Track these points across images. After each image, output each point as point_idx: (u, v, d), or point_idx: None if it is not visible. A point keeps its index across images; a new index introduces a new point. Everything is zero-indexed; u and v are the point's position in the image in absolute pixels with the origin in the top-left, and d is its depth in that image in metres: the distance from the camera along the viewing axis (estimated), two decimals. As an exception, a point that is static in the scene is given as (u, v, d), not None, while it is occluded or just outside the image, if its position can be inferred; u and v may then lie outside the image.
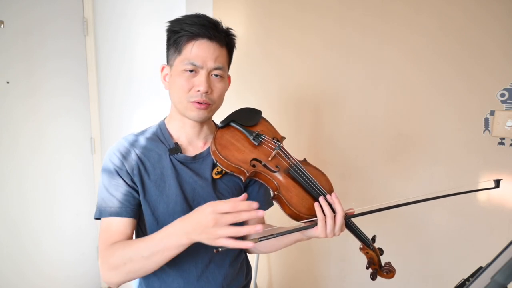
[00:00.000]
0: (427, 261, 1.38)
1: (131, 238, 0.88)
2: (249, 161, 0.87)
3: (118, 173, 0.88)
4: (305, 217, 0.83)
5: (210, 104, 0.87)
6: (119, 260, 0.77)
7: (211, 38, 0.85)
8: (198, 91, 0.85)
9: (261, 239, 0.76)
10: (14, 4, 1.78)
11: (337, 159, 1.57)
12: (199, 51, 0.84)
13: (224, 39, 0.88)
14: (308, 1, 1.55)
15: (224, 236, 0.67)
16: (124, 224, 0.86)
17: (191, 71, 0.85)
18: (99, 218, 0.87)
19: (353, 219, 0.88)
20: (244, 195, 0.69)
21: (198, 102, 0.86)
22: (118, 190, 0.88)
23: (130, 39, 1.88)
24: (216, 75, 0.87)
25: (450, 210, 1.30)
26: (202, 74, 0.85)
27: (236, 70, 1.81)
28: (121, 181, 0.88)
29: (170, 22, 0.88)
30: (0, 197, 1.82)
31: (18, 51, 1.82)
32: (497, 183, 0.84)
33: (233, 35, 0.91)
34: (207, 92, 0.85)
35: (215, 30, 0.85)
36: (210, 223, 0.67)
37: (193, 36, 0.84)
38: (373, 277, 0.94)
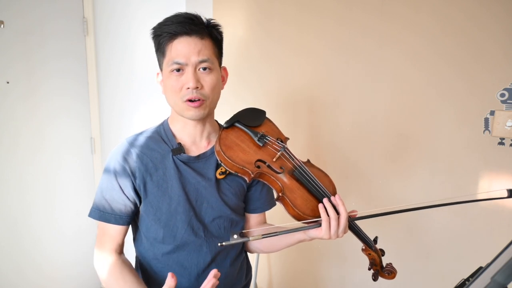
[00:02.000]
0: (427, 261, 1.38)
1: (121, 243, 0.93)
2: (253, 162, 0.87)
3: (116, 178, 0.88)
4: (309, 218, 0.83)
5: (203, 100, 0.86)
6: (106, 283, 0.88)
7: (189, 33, 0.84)
8: (188, 88, 0.84)
9: (265, 236, 0.77)
10: (14, 4, 1.78)
11: (337, 159, 1.57)
12: (180, 48, 0.84)
13: (204, 31, 0.86)
14: (308, 1, 1.55)
15: None
16: (115, 230, 0.90)
17: (178, 70, 0.84)
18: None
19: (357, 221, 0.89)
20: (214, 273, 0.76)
21: (191, 100, 0.85)
22: (111, 195, 0.89)
23: (130, 39, 1.88)
24: (204, 68, 0.86)
25: (450, 210, 1.30)
26: (189, 71, 0.84)
27: (236, 70, 1.82)
28: (117, 186, 0.88)
29: (153, 28, 0.88)
30: (0, 197, 1.82)
31: (18, 51, 1.82)
32: (510, 193, 0.82)
33: (216, 25, 0.89)
34: (197, 87, 0.84)
35: (191, 24, 0.84)
36: None
37: (172, 36, 0.84)
38: (375, 278, 0.94)
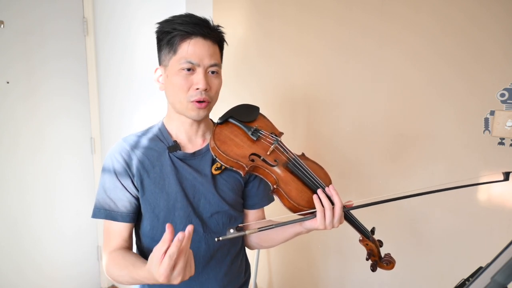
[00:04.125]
0: (427, 261, 1.38)
1: (128, 240, 0.93)
2: (248, 155, 0.87)
3: (117, 177, 0.89)
4: (304, 209, 0.84)
5: (209, 101, 0.88)
6: (112, 275, 0.86)
7: (205, 36, 0.86)
8: (197, 89, 0.85)
9: (261, 229, 0.78)
10: (14, 4, 1.78)
11: (337, 158, 1.57)
12: (195, 49, 0.85)
13: (216, 36, 0.89)
14: (308, 1, 1.55)
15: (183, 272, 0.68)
16: (120, 228, 0.90)
17: (188, 69, 0.85)
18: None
19: (354, 213, 0.89)
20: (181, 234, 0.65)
21: (198, 101, 0.86)
22: (116, 194, 0.89)
23: (130, 39, 1.88)
24: (213, 72, 0.88)
25: (450, 209, 1.30)
26: (200, 72, 0.85)
27: (235, 70, 1.82)
28: (119, 184, 0.89)
29: (160, 23, 0.89)
30: (1, 197, 1.83)
31: (18, 51, 1.82)
32: (507, 175, 0.80)
33: (223, 32, 0.92)
34: (206, 89, 0.86)
35: (208, 28, 0.86)
36: (174, 279, 0.67)
37: (188, 35, 0.85)
38: (373, 269, 0.94)
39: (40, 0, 1.87)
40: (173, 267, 0.65)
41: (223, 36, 0.92)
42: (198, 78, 0.85)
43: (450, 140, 1.28)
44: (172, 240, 0.65)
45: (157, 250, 0.66)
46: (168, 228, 0.66)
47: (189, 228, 0.66)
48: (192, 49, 0.85)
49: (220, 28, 0.91)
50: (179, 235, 0.64)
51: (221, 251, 0.96)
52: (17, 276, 1.90)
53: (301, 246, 1.74)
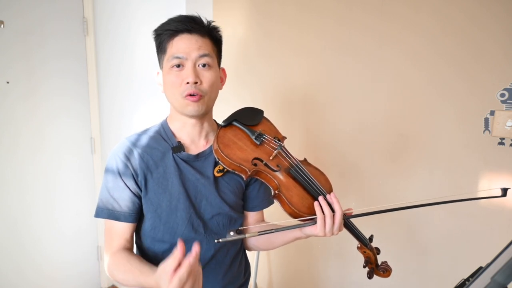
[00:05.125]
0: (427, 261, 1.38)
1: (130, 240, 0.93)
2: (250, 160, 0.87)
3: (120, 176, 0.89)
4: (305, 216, 0.84)
5: (202, 95, 0.87)
6: (115, 276, 0.87)
7: (190, 30, 0.86)
8: (187, 83, 0.85)
9: (261, 233, 0.79)
10: (14, 4, 1.78)
11: (336, 159, 1.57)
12: (181, 44, 0.86)
13: (204, 30, 0.88)
14: (308, 1, 1.55)
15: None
16: (123, 228, 0.90)
17: (178, 66, 0.86)
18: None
19: (352, 219, 0.89)
20: (196, 249, 0.67)
21: (190, 95, 0.86)
22: (119, 193, 0.89)
23: (130, 39, 1.88)
24: (204, 65, 0.87)
25: (450, 210, 1.30)
26: (188, 66, 0.86)
27: (235, 70, 1.82)
28: (122, 184, 0.89)
29: (155, 29, 0.91)
30: (1, 197, 1.82)
31: (18, 51, 1.82)
32: (504, 191, 0.81)
33: (216, 27, 0.92)
34: (196, 82, 0.85)
35: (193, 23, 0.87)
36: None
37: (173, 33, 0.86)
38: (370, 276, 0.95)
39: (40, 0, 1.87)
40: (183, 286, 0.65)
41: (215, 30, 0.91)
42: (187, 72, 0.85)
43: (450, 140, 1.28)
44: (183, 257, 0.66)
45: (168, 266, 0.66)
46: (179, 244, 0.66)
47: (196, 248, 0.67)
48: (178, 44, 0.86)
49: (212, 23, 0.91)
50: (190, 259, 0.65)
51: (221, 251, 0.97)
52: (17, 276, 1.90)
53: (301, 247, 1.74)
